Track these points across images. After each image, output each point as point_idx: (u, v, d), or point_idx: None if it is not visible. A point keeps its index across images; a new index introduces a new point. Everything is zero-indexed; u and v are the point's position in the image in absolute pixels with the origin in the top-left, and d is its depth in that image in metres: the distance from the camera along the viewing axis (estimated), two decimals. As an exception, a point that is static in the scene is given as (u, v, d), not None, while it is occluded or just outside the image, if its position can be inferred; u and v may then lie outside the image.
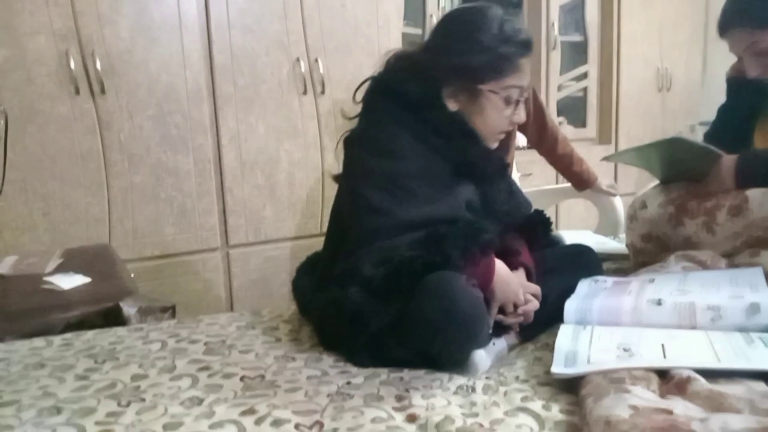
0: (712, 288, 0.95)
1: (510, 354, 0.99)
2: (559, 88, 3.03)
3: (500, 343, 0.99)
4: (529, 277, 1.05)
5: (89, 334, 1.07)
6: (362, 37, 2.27)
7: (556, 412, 0.75)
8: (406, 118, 1.03)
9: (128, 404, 0.81)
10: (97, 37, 1.85)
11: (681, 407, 0.67)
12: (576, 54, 3.11)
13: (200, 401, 0.82)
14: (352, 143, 1.09)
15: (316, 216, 2.26)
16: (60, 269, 1.40)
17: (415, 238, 0.94)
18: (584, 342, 0.87)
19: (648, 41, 3.18)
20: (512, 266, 1.03)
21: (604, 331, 0.90)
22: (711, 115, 1.38)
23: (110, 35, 1.87)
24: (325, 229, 1.18)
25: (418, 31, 2.65)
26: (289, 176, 2.20)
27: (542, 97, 2.71)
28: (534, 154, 2.03)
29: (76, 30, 1.82)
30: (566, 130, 2.87)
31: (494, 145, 1.11)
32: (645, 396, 0.70)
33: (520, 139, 1.96)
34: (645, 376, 0.76)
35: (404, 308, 0.91)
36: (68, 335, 1.07)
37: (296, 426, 0.74)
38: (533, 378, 0.87)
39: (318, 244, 1.19)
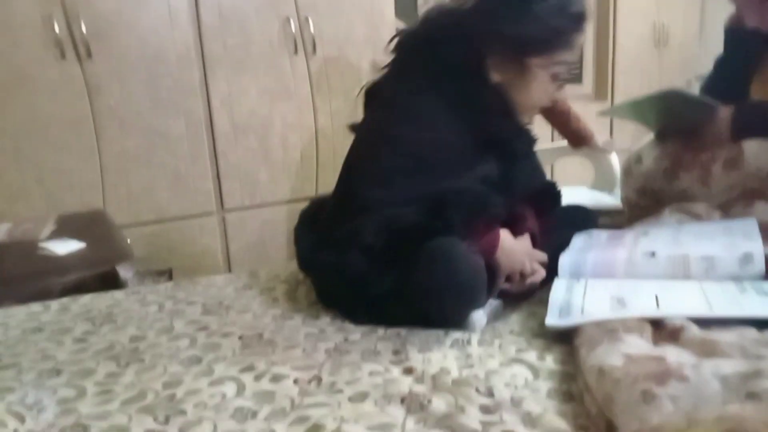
0: (706, 239, 0.96)
1: (505, 309, 1.00)
2: (556, 44, 2.97)
3: (496, 301, 1.00)
4: (534, 243, 1.03)
5: (86, 298, 1.08)
6: (353, -6, 2.22)
7: (550, 362, 0.76)
8: (442, 84, 0.97)
9: (127, 365, 0.82)
10: (81, -1, 1.80)
11: (674, 354, 0.68)
12: (572, 9, 3.04)
13: (199, 360, 0.82)
14: (378, 100, 1.03)
15: (311, 178, 2.24)
16: (55, 235, 1.40)
17: (420, 207, 0.91)
18: (578, 294, 0.88)
19: (645, -5, 3.11)
20: (518, 232, 1.01)
21: (598, 284, 0.91)
22: (708, 69, 1.35)
23: (94, -3, 1.82)
24: (321, 191, 1.16)
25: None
26: (282, 139, 2.18)
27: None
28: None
29: (58, -9, 1.77)
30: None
31: (529, 120, 1.07)
32: (638, 344, 0.71)
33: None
34: (638, 325, 0.77)
35: (404, 274, 0.90)
36: (65, 300, 1.08)
37: (295, 381, 0.75)
38: (527, 331, 0.88)
39: (314, 206, 1.17)
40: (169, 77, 1.96)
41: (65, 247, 1.31)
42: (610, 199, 1.59)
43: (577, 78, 3.13)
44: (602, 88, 3.15)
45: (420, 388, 0.71)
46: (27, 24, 1.75)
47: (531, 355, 0.78)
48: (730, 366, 0.60)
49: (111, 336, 0.91)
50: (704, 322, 0.76)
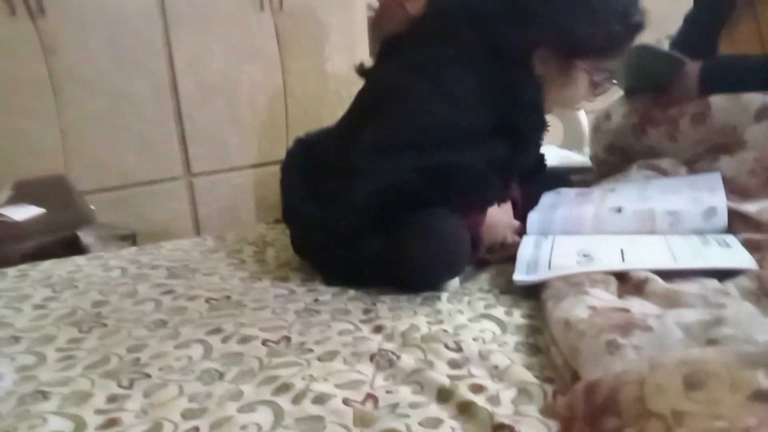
0: (672, 194, 0.97)
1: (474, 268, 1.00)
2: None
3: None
4: (516, 210, 1.03)
5: (46, 264, 1.05)
6: (321, -55, 2.13)
7: (517, 317, 0.77)
8: (484, 62, 0.92)
9: (89, 330, 0.80)
10: (28, -52, 1.69)
11: (638, 306, 0.69)
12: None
13: (164, 323, 0.81)
14: (403, 57, 0.97)
15: (281, 141, 2.20)
16: (12, 201, 1.35)
17: (420, 177, 0.88)
18: (546, 250, 0.88)
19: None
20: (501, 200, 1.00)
21: (566, 240, 0.91)
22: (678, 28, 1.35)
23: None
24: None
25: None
26: (250, 100, 2.12)
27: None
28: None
29: (3, -59, 1.66)
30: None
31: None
32: (603, 297, 0.72)
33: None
34: (604, 278, 0.77)
35: (392, 239, 0.88)
36: (24, 266, 1.04)
37: (263, 342, 0.75)
38: (496, 288, 0.88)
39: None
40: (130, 35, 1.87)
41: (24, 212, 1.26)
42: (580, 157, 1.59)
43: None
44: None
45: (389, 345, 0.71)
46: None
47: (499, 311, 0.79)
48: (692, 315, 0.61)
49: (72, 301, 0.89)
50: (668, 275, 0.77)
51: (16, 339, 0.77)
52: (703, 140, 1.08)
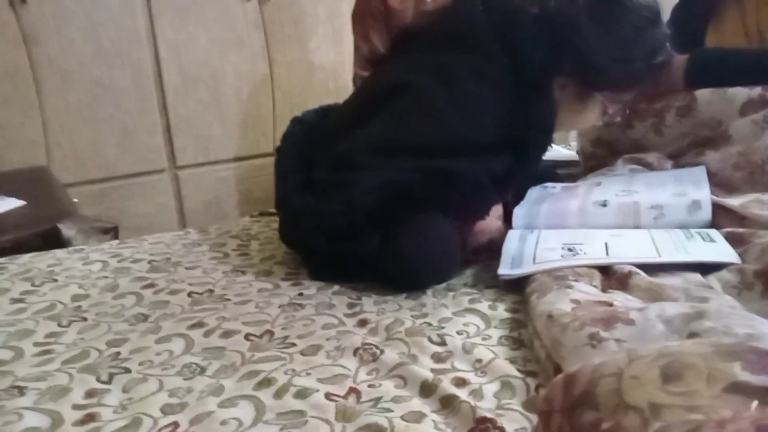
0: (657, 188, 0.97)
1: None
2: None
3: None
4: (506, 209, 1.02)
5: (25, 258, 1.03)
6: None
7: (501, 311, 0.77)
8: (504, 77, 0.89)
9: (69, 324, 0.78)
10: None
11: (621, 299, 0.69)
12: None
13: (145, 317, 0.80)
14: (420, 56, 0.94)
15: (267, 134, 2.18)
16: (-9, 194, 1.32)
17: (422, 179, 0.87)
18: (530, 244, 0.88)
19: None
20: None
21: (551, 234, 0.91)
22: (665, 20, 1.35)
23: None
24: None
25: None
26: (236, 91, 2.10)
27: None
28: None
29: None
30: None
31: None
32: (587, 290, 0.72)
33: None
34: (588, 272, 0.77)
35: (385, 239, 0.86)
36: (2, 259, 1.02)
37: (246, 336, 0.74)
38: (481, 282, 0.88)
39: (271, 163, 1.07)
40: (111, 25, 1.85)
41: (3, 205, 1.24)
42: (567, 151, 1.60)
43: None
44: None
45: (373, 339, 0.71)
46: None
47: (483, 305, 0.79)
48: (675, 309, 0.61)
49: (52, 295, 0.87)
50: (652, 268, 0.78)
51: (-7, 334, 0.76)
52: (688, 134, 1.09)
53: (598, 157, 1.23)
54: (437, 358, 0.66)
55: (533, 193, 1.09)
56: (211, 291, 0.88)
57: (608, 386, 0.36)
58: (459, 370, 0.64)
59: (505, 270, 0.83)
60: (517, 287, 0.81)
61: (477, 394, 0.59)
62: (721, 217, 0.89)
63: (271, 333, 0.75)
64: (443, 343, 0.69)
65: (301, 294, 0.87)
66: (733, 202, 0.90)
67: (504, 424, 0.53)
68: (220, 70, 2.05)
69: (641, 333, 0.59)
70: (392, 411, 0.57)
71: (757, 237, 0.79)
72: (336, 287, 0.88)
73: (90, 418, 0.58)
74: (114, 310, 0.82)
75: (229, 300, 0.85)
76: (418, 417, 0.55)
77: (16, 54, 1.74)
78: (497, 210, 1.00)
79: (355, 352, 0.68)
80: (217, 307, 0.82)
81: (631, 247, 0.83)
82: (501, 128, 0.90)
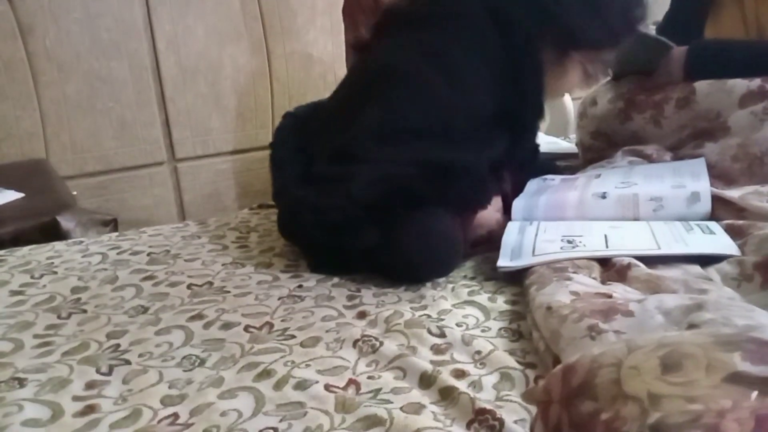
0: (656, 179, 0.97)
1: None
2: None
3: None
4: (506, 202, 1.01)
5: (24, 250, 1.03)
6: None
7: (501, 303, 0.77)
8: (491, 44, 0.90)
9: (69, 316, 0.78)
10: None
11: (620, 291, 0.69)
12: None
13: (145, 309, 0.80)
14: (410, 35, 0.93)
15: (266, 126, 2.17)
16: (-11, 186, 1.32)
17: (421, 173, 0.86)
18: (530, 236, 0.88)
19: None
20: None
21: (550, 225, 0.91)
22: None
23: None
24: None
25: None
26: (234, 83, 2.09)
27: None
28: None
29: None
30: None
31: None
32: (586, 282, 0.72)
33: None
34: (587, 264, 0.78)
35: (385, 234, 0.86)
36: (1, 251, 1.02)
37: (245, 328, 0.74)
38: (480, 275, 0.88)
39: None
40: (108, 16, 1.84)
41: (2, 197, 1.24)
42: (566, 144, 1.59)
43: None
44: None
45: (373, 331, 0.71)
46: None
47: (483, 297, 0.79)
48: (674, 300, 0.61)
49: (51, 287, 0.87)
50: (651, 260, 0.78)
51: (-8, 326, 0.76)
52: (687, 125, 1.08)
53: (597, 149, 1.23)
54: (436, 349, 0.67)
55: (532, 185, 1.08)
56: (211, 283, 0.88)
57: (607, 376, 0.36)
58: (458, 362, 0.64)
59: (504, 262, 0.83)
60: (517, 279, 0.81)
61: (476, 385, 0.59)
62: (720, 208, 0.89)
63: (270, 325, 0.75)
64: (442, 335, 0.69)
65: (300, 286, 0.87)
66: (733, 193, 0.90)
67: (503, 416, 0.53)
68: (218, 63, 2.04)
69: (640, 324, 0.59)
70: (391, 402, 0.57)
71: (757, 229, 0.79)
72: (335, 279, 0.88)
73: (90, 409, 0.58)
74: (113, 302, 0.82)
75: (228, 292, 0.85)
76: (417, 408, 0.55)
77: (12, 45, 1.73)
78: (497, 203, 1.00)
79: (355, 343, 0.68)
80: (217, 299, 0.82)
81: (630, 239, 0.83)
82: (493, 97, 0.91)
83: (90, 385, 0.62)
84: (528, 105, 0.96)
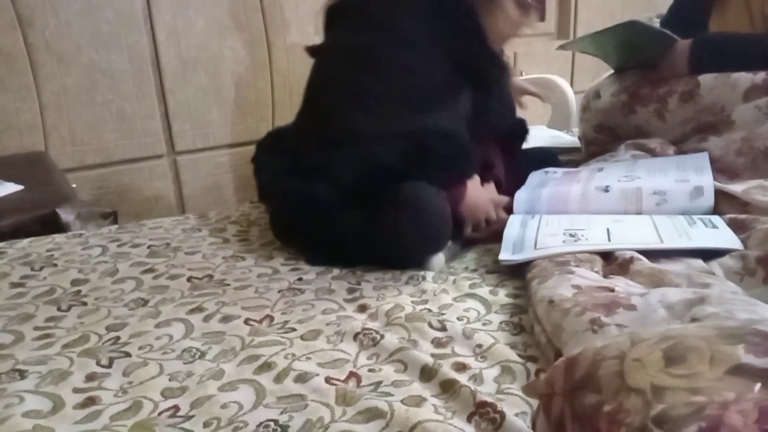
0: (659, 173, 0.96)
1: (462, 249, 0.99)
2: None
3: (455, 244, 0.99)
4: (500, 188, 1.02)
5: (24, 242, 1.02)
6: None
7: (502, 296, 0.77)
8: (423, 4, 0.94)
9: (69, 309, 0.78)
10: None
11: (623, 285, 0.69)
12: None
13: (145, 302, 0.80)
14: (349, 16, 0.97)
15: (267, 119, 2.16)
16: (-11, 178, 1.31)
17: (399, 148, 0.87)
18: (532, 229, 0.88)
19: (610, -72, 3.04)
20: (484, 179, 1.00)
21: (552, 219, 0.91)
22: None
23: None
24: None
25: None
26: (234, 76, 2.08)
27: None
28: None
29: None
30: (524, 25, 2.78)
31: (499, 49, 1.04)
32: (588, 276, 0.71)
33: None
34: (589, 258, 0.77)
35: (371, 214, 0.87)
36: (1, 244, 1.02)
37: (246, 321, 0.74)
38: (482, 267, 0.88)
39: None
40: (108, 7, 1.82)
41: (1, 190, 1.23)
42: (569, 137, 1.59)
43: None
44: (564, 27, 3.11)
45: (373, 324, 0.71)
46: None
47: (484, 290, 0.79)
48: (676, 294, 0.61)
49: (51, 280, 0.87)
50: (654, 254, 0.77)
51: (-8, 318, 0.76)
52: (691, 119, 1.08)
53: (600, 142, 1.22)
54: (437, 343, 0.66)
55: (534, 178, 1.08)
56: (211, 276, 0.88)
57: (610, 369, 0.36)
58: (459, 355, 0.64)
59: (506, 255, 0.83)
60: (519, 272, 0.81)
61: (477, 378, 0.59)
62: (723, 203, 0.89)
63: (270, 318, 0.75)
64: (443, 329, 0.69)
65: (300, 279, 0.86)
66: (736, 188, 0.90)
67: (504, 409, 0.53)
68: (218, 55, 2.03)
69: (642, 318, 0.58)
70: (392, 395, 0.57)
71: (760, 223, 0.79)
72: (335, 272, 0.88)
73: (91, 401, 0.58)
74: (114, 294, 0.82)
75: (228, 285, 0.84)
76: (418, 401, 0.55)
77: (11, 37, 1.72)
78: (490, 187, 1.00)
79: (355, 336, 0.68)
80: (217, 292, 0.82)
81: (633, 233, 0.83)
82: (447, 55, 0.93)
83: (90, 377, 0.62)
84: (477, 53, 0.97)
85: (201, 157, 2.10)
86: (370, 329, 0.69)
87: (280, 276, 0.88)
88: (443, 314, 0.72)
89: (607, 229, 0.85)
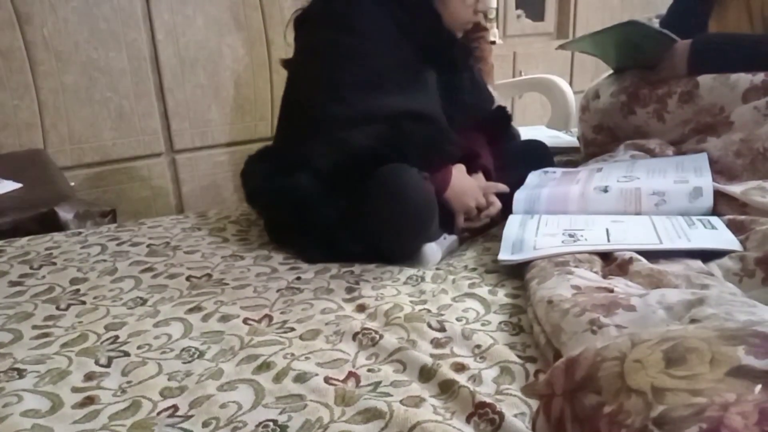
0: (658, 174, 0.96)
1: (460, 246, 1.00)
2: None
3: (451, 237, 0.99)
4: (488, 178, 1.03)
5: (23, 241, 1.02)
6: None
7: (501, 296, 0.77)
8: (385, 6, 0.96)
9: (67, 307, 0.78)
10: None
11: (622, 285, 0.69)
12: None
13: (144, 301, 0.80)
14: (310, 20, 1.00)
15: (266, 118, 2.16)
16: (-13, 176, 1.31)
17: (375, 131, 0.89)
18: (531, 230, 0.88)
19: (609, -72, 3.04)
20: (471, 170, 1.01)
21: (551, 219, 0.91)
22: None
23: None
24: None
25: None
26: (233, 74, 2.07)
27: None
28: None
29: None
30: (524, 24, 2.79)
31: (459, 35, 1.06)
32: (588, 276, 0.72)
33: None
34: (588, 258, 0.77)
35: (355, 200, 0.88)
36: (0, 242, 1.02)
37: (244, 321, 0.74)
38: (481, 266, 0.88)
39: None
40: (107, 5, 1.82)
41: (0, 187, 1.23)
42: (568, 137, 1.59)
43: (539, 15, 3.07)
44: (564, 27, 3.11)
45: (372, 324, 0.71)
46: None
47: (483, 290, 0.79)
48: (676, 295, 0.61)
49: (50, 278, 0.87)
50: (653, 255, 0.77)
51: (-9, 316, 0.76)
52: (690, 120, 1.08)
53: (599, 143, 1.22)
54: (436, 343, 0.66)
55: (533, 178, 1.08)
56: (210, 275, 0.88)
57: (611, 370, 0.36)
58: (458, 356, 0.64)
59: (505, 255, 0.83)
60: (518, 272, 0.81)
61: (476, 379, 0.59)
62: (722, 204, 0.89)
63: (269, 317, 0.74)
64: (442, 329, 0.68)
65: (299, 278, 0.86)
66: (735, 189, 0.90)
67: (503, 409, 0.53)
68: (217, 53, 2.02)
69: (642, 319, 0.58)
70: (391, 395, 0.56)
71: (759, 224, 0.79)
72: (333, 271, 0.88)
73: (89, 400, 0.58)
74: (112, 293, 0.82)
75: (227, 284, 0.84)
76: (417, 401, 0.55)
77: (9, 34, 1.71)
78: (477, 176, 1.01)
79: (354, 336, 0.68)
80: (215, 292, 0.82)
81: (632, 234, 0.83)
82: (407, 39, 0.96)
83: (89, 377, 0.62)
84: (436, 35, 0.99)
85: (200, 156, 2.09)
86: (369, 329, 0.69)
87: (278, 275, 0.88)
88: (442, 314, 0.72)
89: (607, 230, 0.85)
